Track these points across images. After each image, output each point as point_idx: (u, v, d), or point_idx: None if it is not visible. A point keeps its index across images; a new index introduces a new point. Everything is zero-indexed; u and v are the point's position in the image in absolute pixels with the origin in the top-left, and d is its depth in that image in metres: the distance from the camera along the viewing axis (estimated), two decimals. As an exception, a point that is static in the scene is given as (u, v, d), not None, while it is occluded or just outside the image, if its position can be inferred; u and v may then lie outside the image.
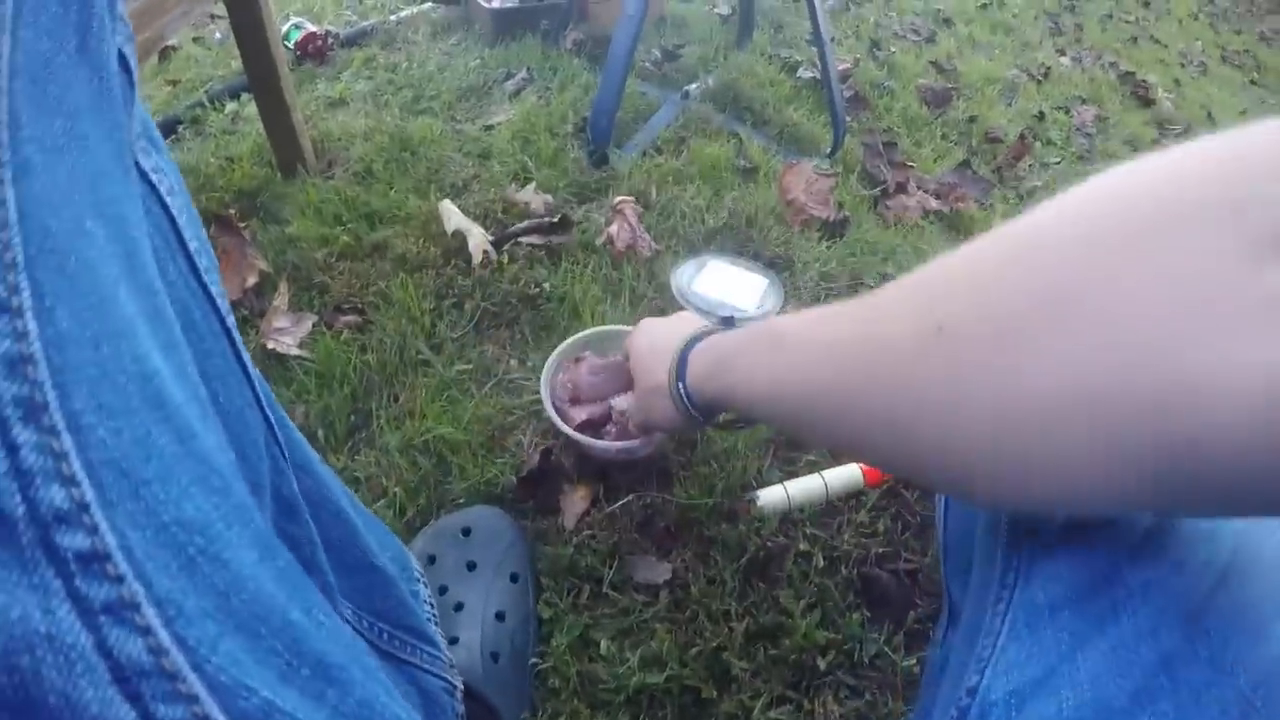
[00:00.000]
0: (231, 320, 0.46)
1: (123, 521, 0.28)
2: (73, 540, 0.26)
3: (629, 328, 0.90)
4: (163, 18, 1.17)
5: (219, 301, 0.45)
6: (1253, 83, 4.18)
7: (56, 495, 0.26)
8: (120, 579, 0.27)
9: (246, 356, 0.48)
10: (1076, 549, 0.46)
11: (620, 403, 1.00)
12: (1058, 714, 0.41)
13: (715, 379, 0.65)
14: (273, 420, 0.50)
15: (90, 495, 0.27)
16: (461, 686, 0.75)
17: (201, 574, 0.31)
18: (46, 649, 0.25)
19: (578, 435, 0.98)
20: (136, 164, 0.39)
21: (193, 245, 0.43)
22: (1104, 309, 0.31)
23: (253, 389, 0.48)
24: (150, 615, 0.28)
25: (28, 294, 0.26)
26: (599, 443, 0.98)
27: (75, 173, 0.31)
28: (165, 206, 0.41)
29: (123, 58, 0.37)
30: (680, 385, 0.71)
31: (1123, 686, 0.40)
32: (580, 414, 1.01)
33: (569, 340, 1.08)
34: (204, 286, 0.44)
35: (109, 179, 0.34)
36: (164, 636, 0.28)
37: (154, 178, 0.41)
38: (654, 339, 0.81)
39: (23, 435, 0.25)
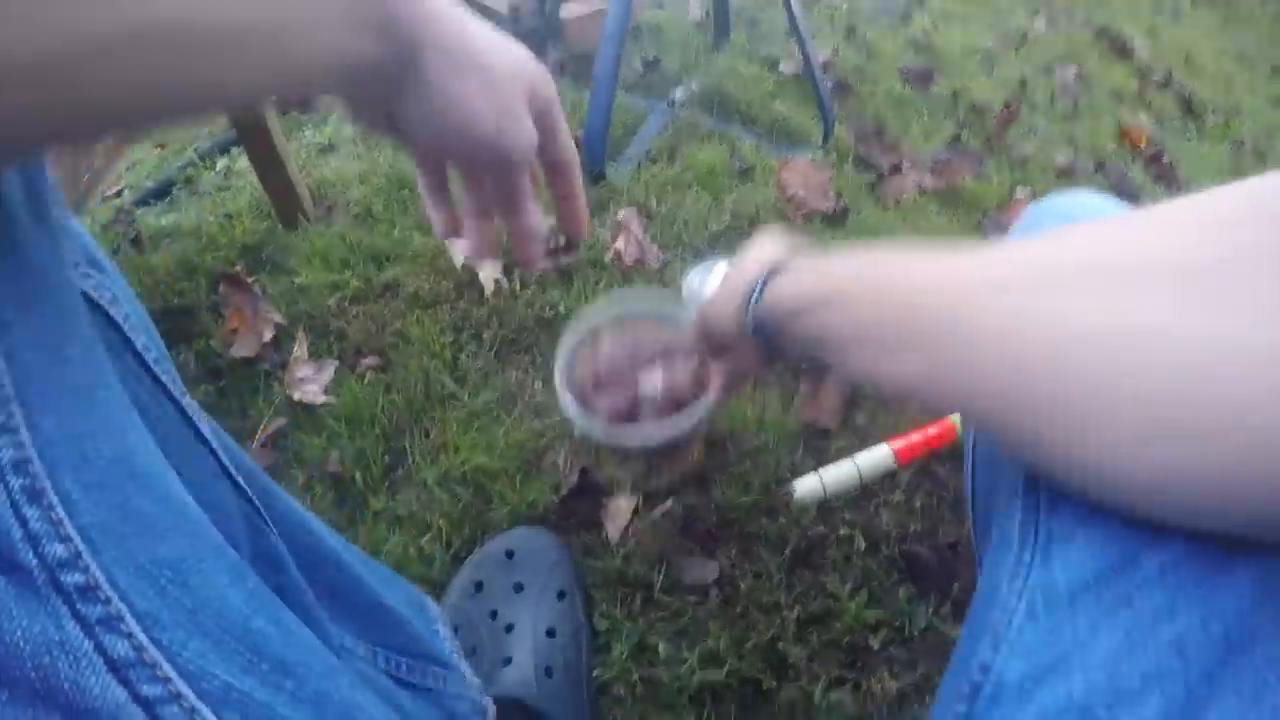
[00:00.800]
0: (187, 400, 0.54)
1: (108, 563, 0.38)
2: (72, 578, 0.37)
3: (650, 292, 0.78)
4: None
5: (170, 387, 0.54)
6: (1227, 21, 4.19)
7: (58, 549, 0.36)
8: (108, 601, 0.38)
9: (206, 431, 0.56)
10: (1095, 531, 0.46)
11: (649, 384, 0.82)
12: (1068, 697, 0.42)
13: (808, 315, 0.54)
14: (242, 484, 0.58)
15: (82, 548, 0.37)
16: (492, 707, 0.77)
17: (173, 596, 0.41)
18: (60, 652, 0.36)
19: (612, 431, 0.78)
20: (82, 291, 0.49)
21: (139, 342, 0.53)
22: None
23: (217, 460, 0.56)
24: (133, 625, 0.38)
25: (20, 415, 0.36)
26: (637, 429, 0.79)
27: (48, 318, 0.41)
28: (109, 317, 0.51)
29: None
30: (753, 305, 0.59)
31: (1135, 668, 0.41)
32: (602, 401, 0.83)
33: (575, 326, 0.82)
34: (154, 376, 0.53)
35: (72, 315, 0.44)
36: (144, 640, 0.39)
37: (94, 295, 0.50)
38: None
39: (30, 512, 0.36)
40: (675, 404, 0.75)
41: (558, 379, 0.77)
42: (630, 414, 0.82)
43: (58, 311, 0.43)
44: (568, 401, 0.76)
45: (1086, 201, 0.61)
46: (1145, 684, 0.40)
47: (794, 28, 1.69)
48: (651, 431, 0.81)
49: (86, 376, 0.43)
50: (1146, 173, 2.07)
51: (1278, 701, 0.37)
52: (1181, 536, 0.42)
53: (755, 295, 0.58)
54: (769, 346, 0.60)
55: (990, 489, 0.62)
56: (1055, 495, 0.49)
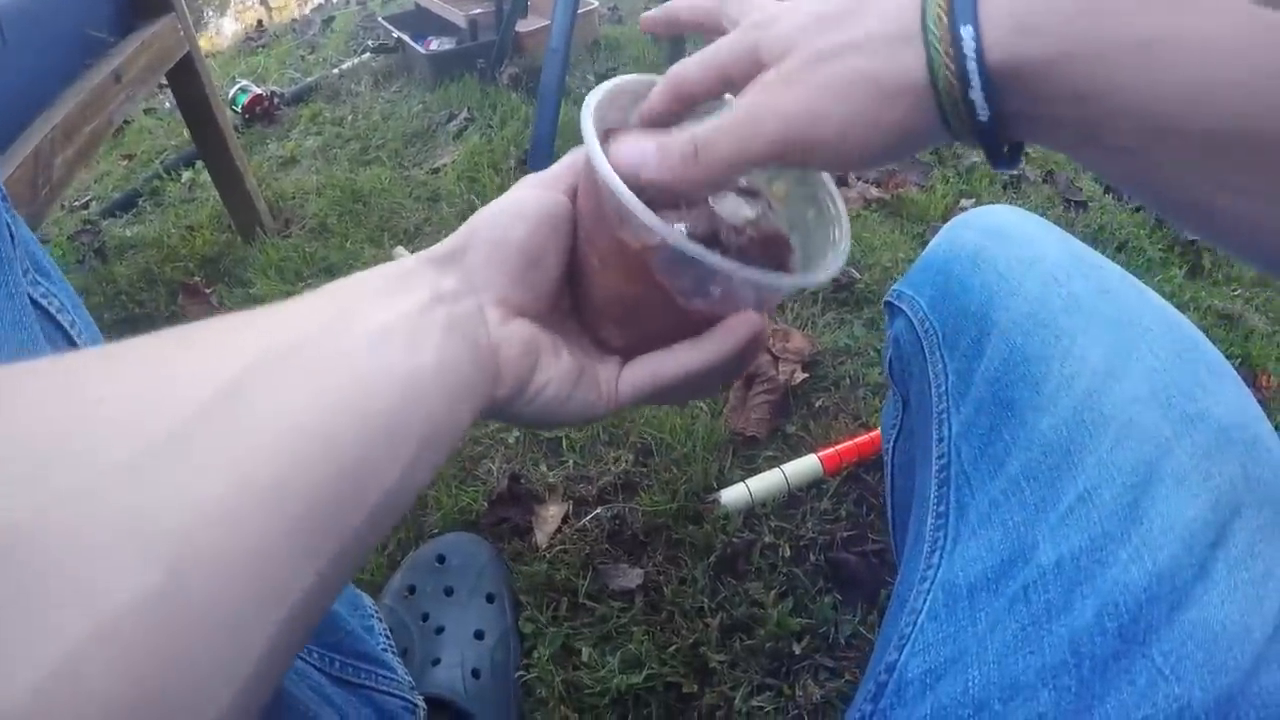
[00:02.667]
0: None
1: None
2: None
3: None
4: (108, 106, 1.21)
5: None
6: None
7: None
8: None
9: None
10: (995, 530, 0.48)
11: (732, 207, 0.44)
12: (965, 692, 0.44)
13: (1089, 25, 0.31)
14: None
15: None
16: (423, 705, 0.79)
17: None
18: None
19: (702, 252, 0.38)
20: (30, 296, 0.51)
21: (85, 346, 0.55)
22: None
23: None
24: None
25: None
26: (752, 272, 0.39)
27: None
28: (58, 324, 0.53)
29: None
30: (965, 34, 0.33)
31: (1030, 663, 0.43)
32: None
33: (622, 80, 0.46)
34: None
35: (19, 325, 0.47)
36: None
37: (44, 302, 0.52)
38: None
39: None
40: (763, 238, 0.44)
41: (600, 168, 0.38)
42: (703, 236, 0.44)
43: (10, 323, 0.46)
44: (637, 208, 0.37)
45: (1003, 218, 0.62)
46: (1039, 678, 0.42)
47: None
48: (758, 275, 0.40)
49: None
50: (1097, 181, 2.11)
51: (1172, 692, 0.38)
52: (1080, 529, 0.44)
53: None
54: (993, 130, 0.34)
55: (906, 497, 0.65)
56: (963, 499, 0.52)
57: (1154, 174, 0.33)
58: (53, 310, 0.53)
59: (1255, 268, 0.34)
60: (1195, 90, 0.29)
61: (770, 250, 0.44)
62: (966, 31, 0.32)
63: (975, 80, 0.32)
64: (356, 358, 0.30)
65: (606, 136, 0.42)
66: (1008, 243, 0.58)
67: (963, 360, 0.56)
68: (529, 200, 0.40)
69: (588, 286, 0.43)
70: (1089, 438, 0.46)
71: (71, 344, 0.55)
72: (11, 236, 0.50)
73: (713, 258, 0.38)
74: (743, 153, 0.37)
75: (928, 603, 0.50)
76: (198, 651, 0.22)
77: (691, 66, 0.41)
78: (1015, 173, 1.97)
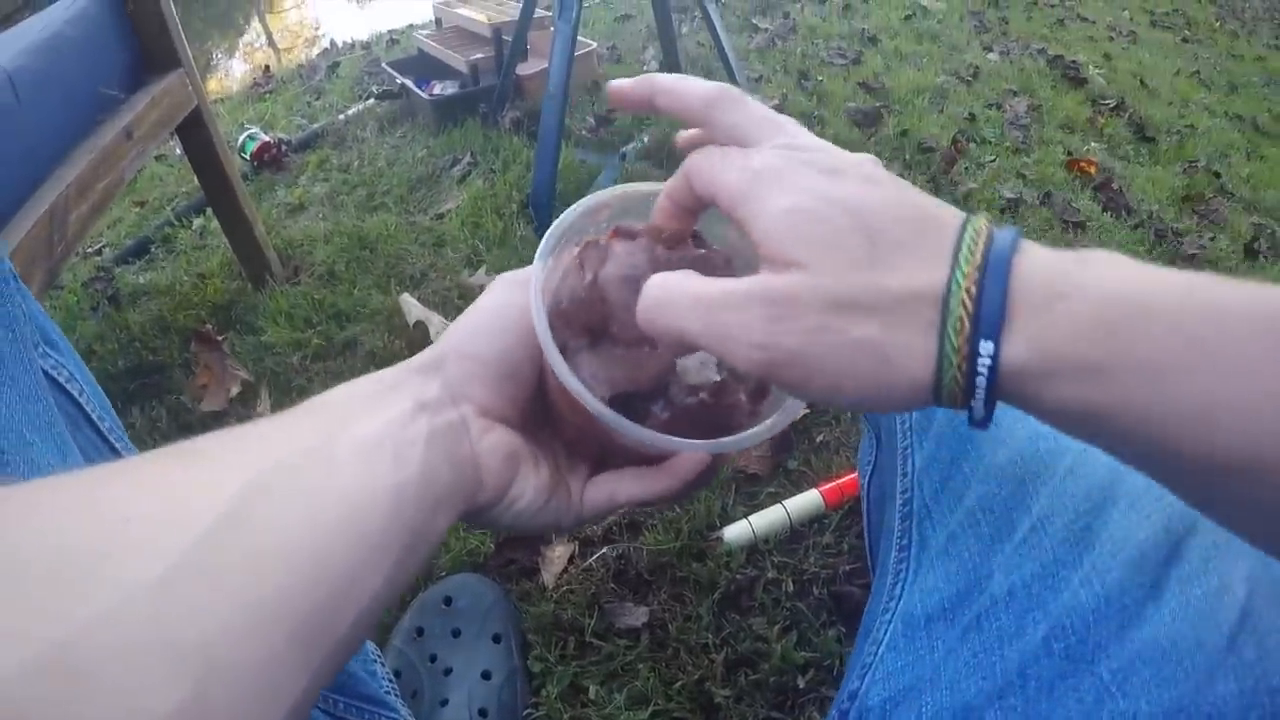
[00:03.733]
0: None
1: None
2: None
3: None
4: (120, 162, 1.25)
5: (124, 454, 0.60)
6: (1185, 41, 4.24)
7: None
8: None
9: None
10: (953, 560, 0.50)
11: (695, 364, 0.43)
12: (918, 717, 0.47)
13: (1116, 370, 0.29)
14: None
15: None
16: None
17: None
18: None
19: (622, 422, 0.39)
20: (41, 368, 0.55)
21: (95, 414, 0.59)
22: None
23: None
24: None
25: None
26: (674, 440, 0.40)
27: (12, 405, 0.47)
28: (68, 394, 0.57)
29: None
30: (984, 350, 0.31)
31: (981, 688, 0.45)
32: (603, 369, 0.41)
33: (577, 206, 0.45)
34: (110, 445, 0.59)
35: (33, 398, 0.50)
36: None
37: (54, 374, 0.56)
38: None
39: None
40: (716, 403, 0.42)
41: (534, 303, 0.39)
42: (651, 391, 0.42)
43: (20, 398, 0.49)
44: (541, 319, 0.39)
45: None
46: (988, 701, 0.44)
47: (732, 81, 1.76)
48: (689, 443, 0.40)
49: (48, 455, 0.48)
50: (1095, 200, 2.12)
51: (1118, 707, 0.40)
52: (1033, 557, 0.46)
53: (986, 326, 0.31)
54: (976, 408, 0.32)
55: (879, 531, 0.67)
56: (924, 532, 0.54)
57: (1153, 470, 0.32)
58: (62, 381, 0.57)
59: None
60: (1205, 412, 0.28)
61: (719, 414, 0.42)
62: (985, 348, 0.30)
63: (980, 394, 0.31)
64: (345, 478, 0.33)
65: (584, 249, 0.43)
66: None
67: None
68: (507, 310, 0.41)
69: (555, 402, 0.44)
70: (1043, 468, 0.48)
71: (80, 410, 0.58)
72: (23, 314, 0.54)
73: (630, 428, 0.38)
74: (703, 344, 0.34)
75: (888, 633, 0.52)
76: None
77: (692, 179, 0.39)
78: (1013, 197, 1.99)
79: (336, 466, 0.33)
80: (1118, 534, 0.44)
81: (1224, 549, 0.42)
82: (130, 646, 0.24)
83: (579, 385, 0.38)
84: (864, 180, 0.34)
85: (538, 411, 0.44)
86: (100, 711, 0.23)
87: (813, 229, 0.33)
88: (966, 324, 0.31)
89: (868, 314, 0.32)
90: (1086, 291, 0.30)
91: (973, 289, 0.31)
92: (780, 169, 0.35)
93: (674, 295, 0.35)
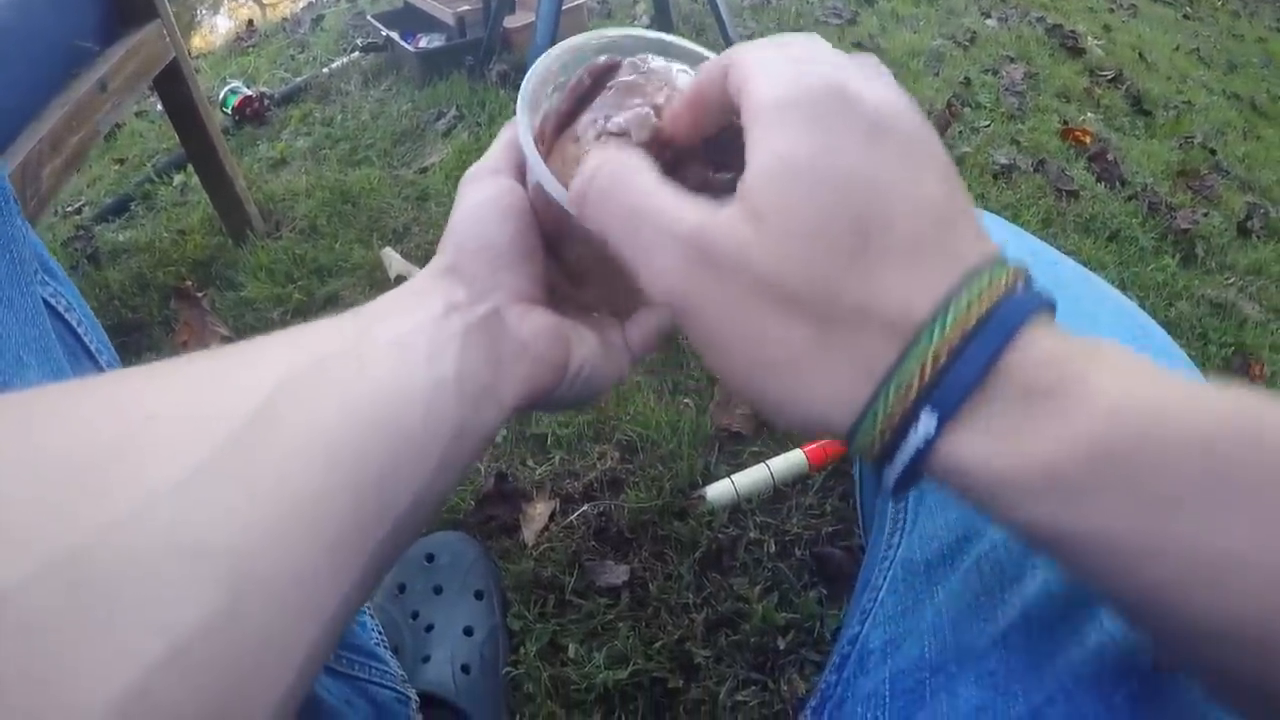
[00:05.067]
0: None
1: None
2: None
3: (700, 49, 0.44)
4: (94, 115, 1.22)
5: None
6: (1185, 17, 4.23)
7: None
8: None
9: None
10: (952, 509, 0.50)
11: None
12: (921, 657, 0.46)
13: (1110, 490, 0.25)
14: None
15: None
16: (415, 697, 0.81)
17: None
18: None
19: None
20: (41, 296, 0.52)
21: (94, 346, 0.57)
22: None
23: None
24: None
25: None
26: None
27: (9, 326, 0.45)
28: (66, 322, 0.55)
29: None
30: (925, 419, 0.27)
31: (983, 629, 0.44)
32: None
33: (555, 50, 0.44)
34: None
35: (29, 322, 0.48)
36: None
37: (53, 301, 0.53)
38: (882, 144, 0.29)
39: None
40: None
41: (525, 93, 0.40)
42: None
43: (17, 320, 0.47)
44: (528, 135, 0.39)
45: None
46: (991, 641, 0.43)
47: (725, 38, 1.73)
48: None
49: (44, 380, 0.47)
50: (1089, 170, 2.11)
51: (1119, 651, 0.39)
52: None
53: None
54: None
55: (872, 487, 0.66)
56: (922, 490, 0.53)
57: (1125, 613, 0.29)
58: (60, 309, 0.55)
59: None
60: (1219, 563, 0.24)
61: None
62: (926, 423, 0.26)
63: (898, 469, 0.27)
64: (379, 373, 0.31)
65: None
66: None
67: None
68: (499, 198, 0.40)
69: (561, 259, 0.43)
70: None
71: (79, 340, 0.57)
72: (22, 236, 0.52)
73: None
74: (623, 252, 0.32)
75: (887, 579, 0.51)
76: (253, 669, 0.23)
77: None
78: (1007, 163, 1.97)
79: (370, 364, 0.31)
80: None
81: None
82: (151, 553, 0.22)
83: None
84: (899, 151, 0.28)
85: (557, 288, 0.44)
86: (117, 623, 0.21)
87: (803, 194, 0.28)
88: (914, 389, 0.26)
89: (805, 317, 0.27)
90: (1089, 392, 0.25)
91: (945, 351, 0.26)
92: (816, 102, 0.29)
93: (614, 190, 0.32)
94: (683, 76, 0.42)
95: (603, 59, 0.42)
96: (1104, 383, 0.25)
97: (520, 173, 0.42)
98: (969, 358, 0.26)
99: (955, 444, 0.26)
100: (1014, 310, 0.26)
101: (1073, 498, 0.25)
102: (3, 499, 0.22)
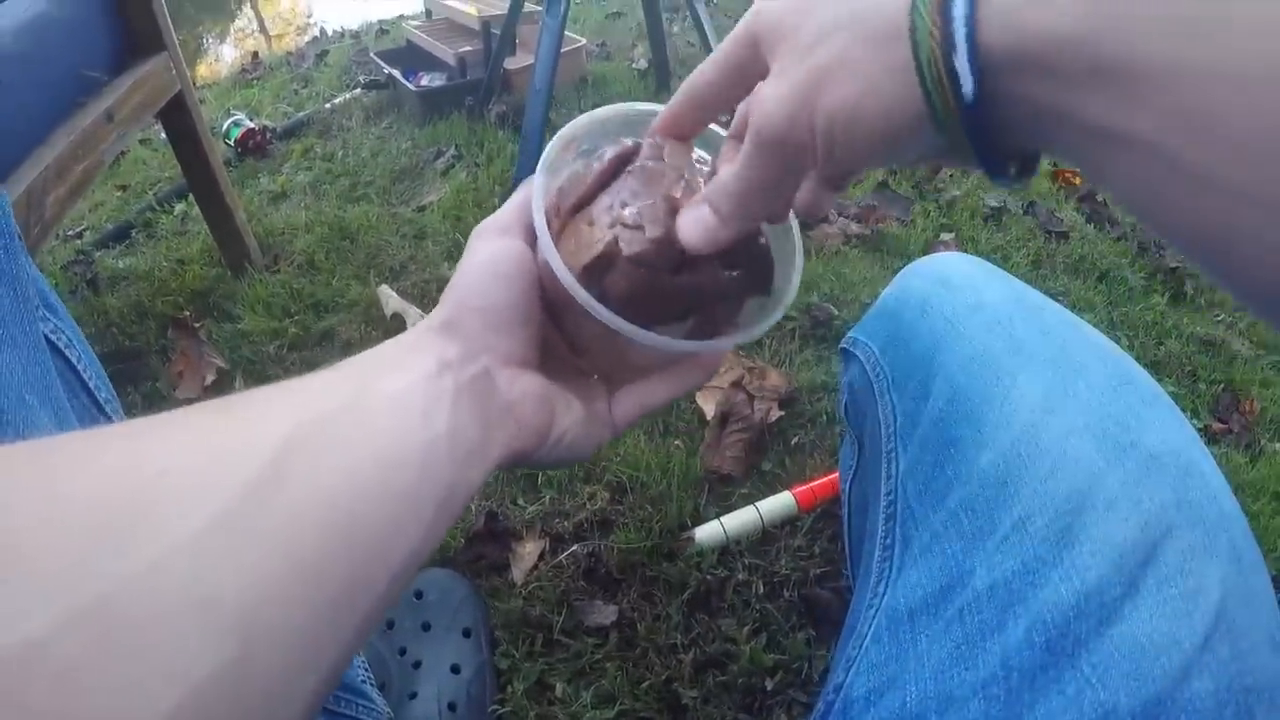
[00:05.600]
0: None
1: None
2: None
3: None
4: (100, 144, 1.23)
5: (114, 419, 0.60)
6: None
7: None
8: None
9: None
10: (935, 558, 0.51)
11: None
12: (903, 706, 0.47)
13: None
14: None
15: None
16: None
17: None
18: None
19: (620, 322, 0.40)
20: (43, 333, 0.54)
21: (92, 383, 0.58)
22: None
23: None
24: None
25: None
26: (672, 342, 0.42)
27: (12, 365, 0.46)
28: (66, 359, 0.56)
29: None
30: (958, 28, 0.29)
31: (964, 678, 0.45)
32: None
33: (581, 119, 0.47)
34: (106, 416, 0.59)
35: (32, 361, 0.49)
36: None
37: (54, 338, 0.55)
38: None
39: None
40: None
41: (541, 176, 0.42)
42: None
43: (20, 360, 0.49)
44: (541, 224, 0.41)
45: (950, 266, 0.65)
46: (972, 691, 0.45)
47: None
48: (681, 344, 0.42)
49: (45, 419, 0.48)
50: (1078, 211, 2.13)
51: (1099, 698, 0.41)
52: (1014, 555, 0.47)
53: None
54: (981, 127, 0.30)
55: (860, 534, 0.67)
56: (907, 532, 0.55)
57: (1173, 189, 0.27)
58: (61, 345, 0.57)
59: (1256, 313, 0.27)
60: (1253, 69, 0.23)
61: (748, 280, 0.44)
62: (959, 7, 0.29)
63: (962, 47, 0.29)
64: (379, 434, 0.32)
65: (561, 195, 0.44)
66: (953, 290, 0.61)
67: (910, 402, 0.59)
68: (503, 259, 0.41)
69: (561, 326, 0.45)
70: (1025, 470, 0.49)
71: (78, 377, 0.58)
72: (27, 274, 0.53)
73: (645, 336, 0.40)
74: (748, 194, 0.38)
75: (872, 628, 0.53)
76: (260, 714, 0.25)
77: (705, 67, 0.41)
78: (997, 205, 2.00)
79: (370, 422, 0.33)
80: (1096, 534, 0.45)
81: (1199, 552, 0.44)
82: (169, 604, 0.24)
83: (594, 303, 0.39)
84: None
85: (553, 348, 0.45)
86: (140, 672, 0.22)
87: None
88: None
89: (843, 30, 0.32)
90: None
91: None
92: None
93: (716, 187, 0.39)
94: (702, 168, 0.44)
95: (629, 142, 0.44)
96: None
97: (530, 234, 0.43)
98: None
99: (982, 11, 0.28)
100: None
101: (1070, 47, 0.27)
102: (32, 548, 0.23)
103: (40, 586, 0.22)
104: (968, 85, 0.29)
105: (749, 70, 0.38)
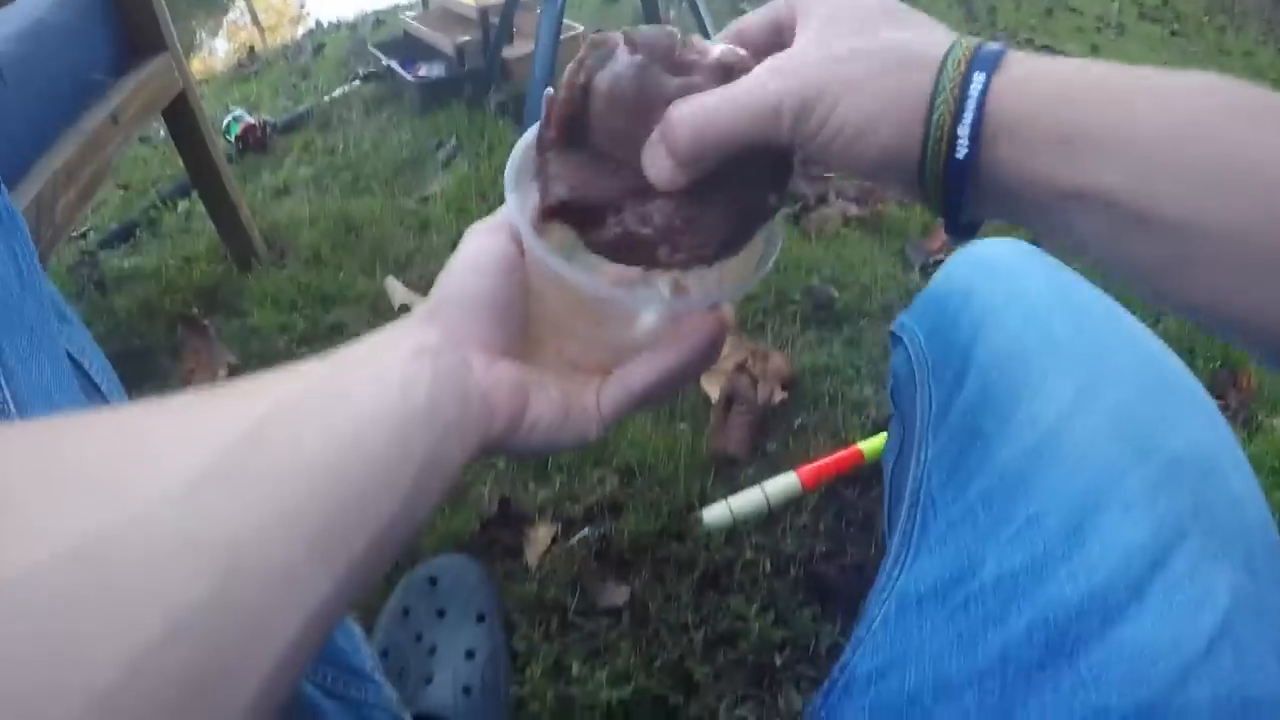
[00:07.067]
0: None
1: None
2: None
3: None
4: (106, 147, 1.24)
5: None
6: (1173, 34, 4.25)
7: None
8: None
9: None
10: (950, 547, 0.52)
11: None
12: (901, 688, 0.49)
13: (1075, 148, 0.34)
14: None
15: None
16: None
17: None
18: None
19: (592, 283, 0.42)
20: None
21: (105, 389, 0.61)
22: None
23: None
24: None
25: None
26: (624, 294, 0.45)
27: (42, 366, 0.49)
28: (80, 367, 0.59)
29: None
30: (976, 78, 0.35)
31: (962, 667, 0.47)
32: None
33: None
34: None
35: (57, 362, 0.52)
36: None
37: (69, 347, 0.58)
38: None
39: None
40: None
41: (524, 234, 0.42)
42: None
43: (51, 362, 0.51)
44: (555, 263, 0.41)
45: (996, 252, 0.66)
46: (968, 680, 0.46)
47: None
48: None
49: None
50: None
51: (1090, 699, 0.41)
52: (1024, 549, 0.48)
53: (975, 92, 0.35)
54: (956, 189, 0.37)
55: (896, 515, 0.69)
56: (926, 520, 0.56)
57: (1134, 243, 0.34)
58: (75, 354, 0.59)
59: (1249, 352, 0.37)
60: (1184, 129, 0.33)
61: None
62: (977, 79, 0.35)
63: (968, 118, 0.35)
64: (357, 404, 0.35)
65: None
66: (996, 278, 0.62)
67: (945, 391, 0.60)
68: (484, 254, 0.43)
69: (548, 318, 0.46)
70: (1045, 468, 0.49)
71: (94, 386, 0.60)
72: (42, 290, 0.56)
73: (624, 297, 0.43)
74: (733, 122, 0.39)
75: (883, 611, 0.54)
76: (240, 650, 0.27)
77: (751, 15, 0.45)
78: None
79: (348, 395, 0.35)
80: (1108, 536, 0.45)
81: (1212, 558, 0.44)
82: (157, 545, 0.26)
83: (567, 268, 0.41)
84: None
85: (537, 339, 0.46)
86: (126, 602, 0.25)
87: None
88: (963, 60, 0.36)
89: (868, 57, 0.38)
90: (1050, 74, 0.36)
91: (973, 46, 0.37)
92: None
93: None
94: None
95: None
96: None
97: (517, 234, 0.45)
98: (987, 52, 0.36)
99: (1000, 88, 0.35)
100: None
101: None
102: (19, 502, 0.26)
103: (22, 531, 0.25)
104: (962, 152, 0.36)
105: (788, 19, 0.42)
